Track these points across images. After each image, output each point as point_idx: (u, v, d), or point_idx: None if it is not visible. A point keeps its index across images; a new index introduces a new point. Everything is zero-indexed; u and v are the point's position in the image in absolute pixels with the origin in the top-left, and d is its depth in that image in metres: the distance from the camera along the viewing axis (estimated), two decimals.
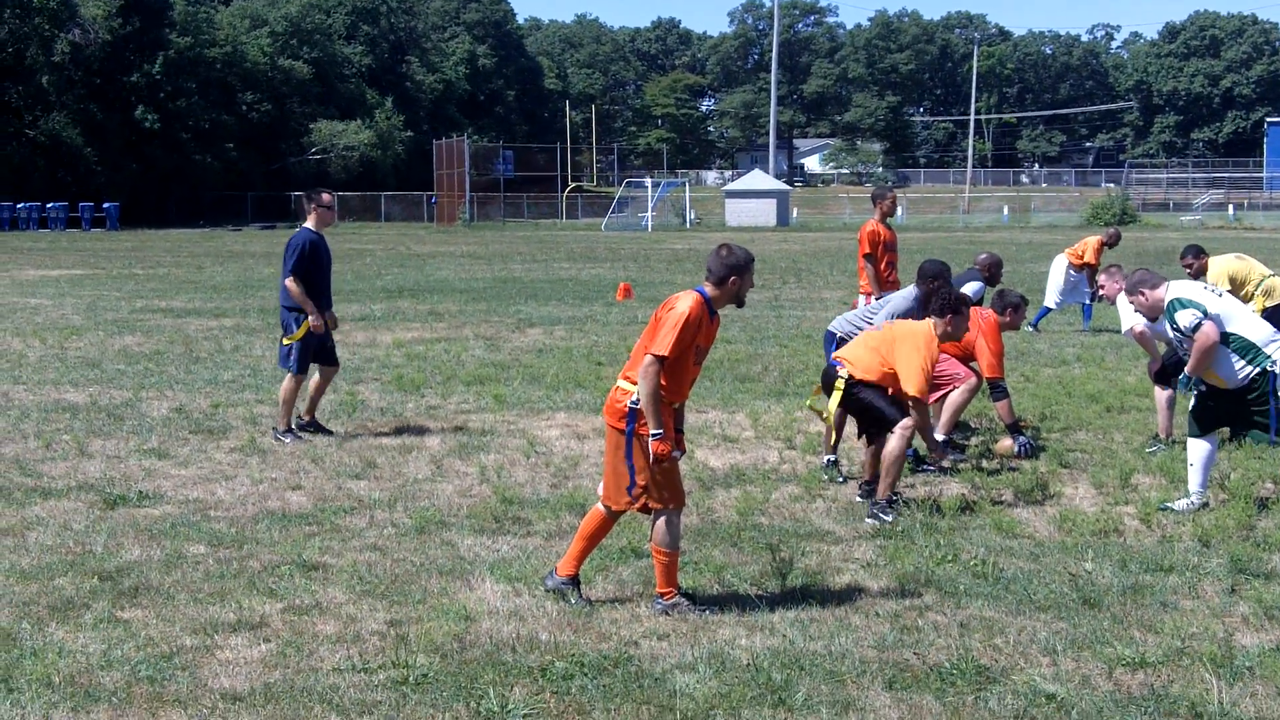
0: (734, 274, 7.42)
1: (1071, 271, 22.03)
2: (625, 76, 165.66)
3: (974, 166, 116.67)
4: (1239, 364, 9.60)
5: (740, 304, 7.65)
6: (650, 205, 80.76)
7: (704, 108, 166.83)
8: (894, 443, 9.67)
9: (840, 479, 10.79)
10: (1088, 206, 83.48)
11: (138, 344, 19.83)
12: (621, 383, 7.43)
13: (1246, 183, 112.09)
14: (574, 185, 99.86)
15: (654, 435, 7.16)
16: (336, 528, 9.28)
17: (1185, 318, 9.68)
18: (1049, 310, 22.30)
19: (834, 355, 10.45)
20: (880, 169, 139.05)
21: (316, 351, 12.64)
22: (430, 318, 23.85)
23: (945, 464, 11.37)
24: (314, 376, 12.77)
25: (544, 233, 73.20)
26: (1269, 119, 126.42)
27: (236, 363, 17.71)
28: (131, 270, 37.98)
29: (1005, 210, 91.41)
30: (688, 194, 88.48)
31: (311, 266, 12.41)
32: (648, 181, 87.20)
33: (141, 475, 10.90)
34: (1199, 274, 13.88)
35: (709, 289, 7.44)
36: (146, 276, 35.28)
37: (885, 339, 10.00)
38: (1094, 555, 8.48)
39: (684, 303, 7.28)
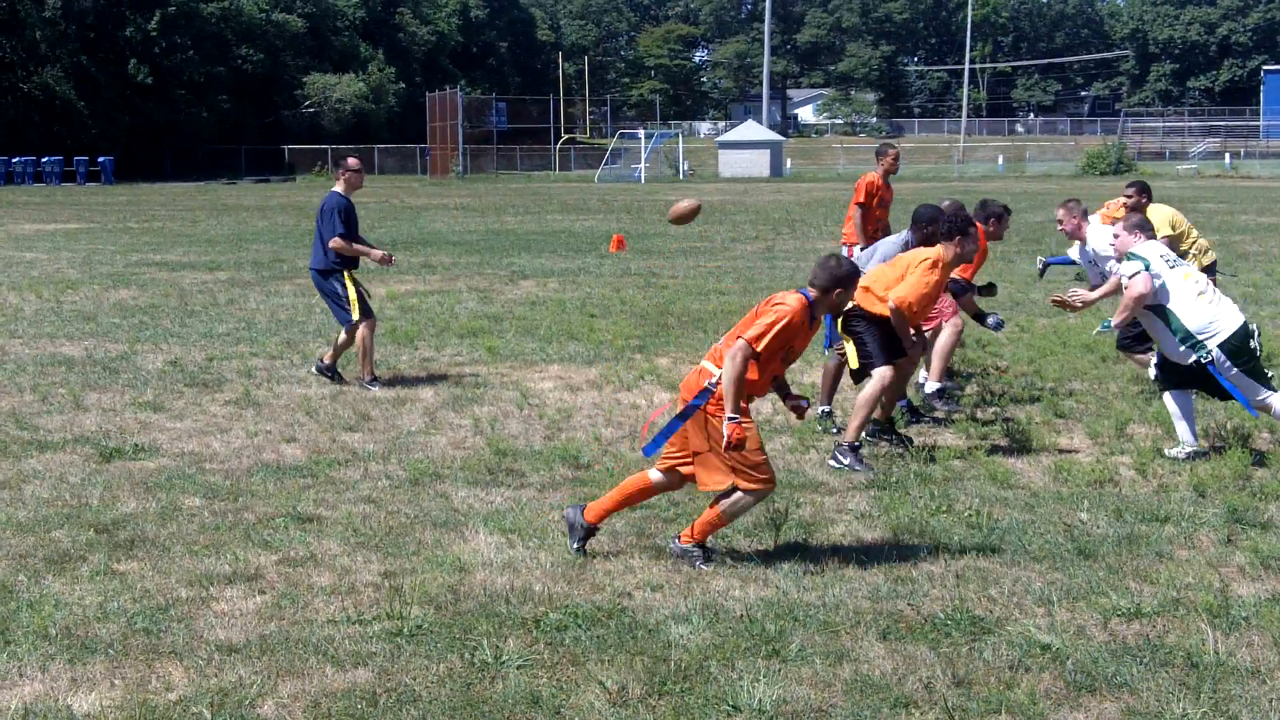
0: (839, 285, 7.44)
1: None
2: (618, 27, 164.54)
3: (968, 116, 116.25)
4: (1181, 347, 9.60)
5: (838, 315, 7.60)
6: (643, 157, 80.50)
7: (697, 58, 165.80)
8: (869, 387, 9.74)
9: (834, 430, 10.77)
10: (1083, 156, 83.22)
11: (133, 297, 19.79)
12: (706, 364, 7.37)
13: (1243, 131, 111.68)
14: (567, 137, 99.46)
15: (730, 419, 7.07)
16: (331, 480, 9.28)
17: (1129, 267, 9.70)
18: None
19: None
20: (874, 119, 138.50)
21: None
22: (424, 270, 23.79)
23: (940, 414, 11.38)
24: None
25: (537, 184, 73.00)
26: (1265, 67, 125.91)
27: (231, 316, 17.68)
28: (126, 224, 37.88)
29: (1000, 160, 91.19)
30: (681, 145, 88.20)
31: (345, 228, 12.61)
32: (641, 133, 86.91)
33: (137, 428, 10.89)
34: (1136, 209, 13.70)
35: (812, 294, 7.41)
36: (141, 230, 35.17)
37: (901, 263, 10.04)
38: (1089, 505, 8.50)
39: (789, 302, 7.25)
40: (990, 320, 11.52)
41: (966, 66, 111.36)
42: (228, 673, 5.89)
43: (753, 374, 7.23)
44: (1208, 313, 9.60)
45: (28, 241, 31.38)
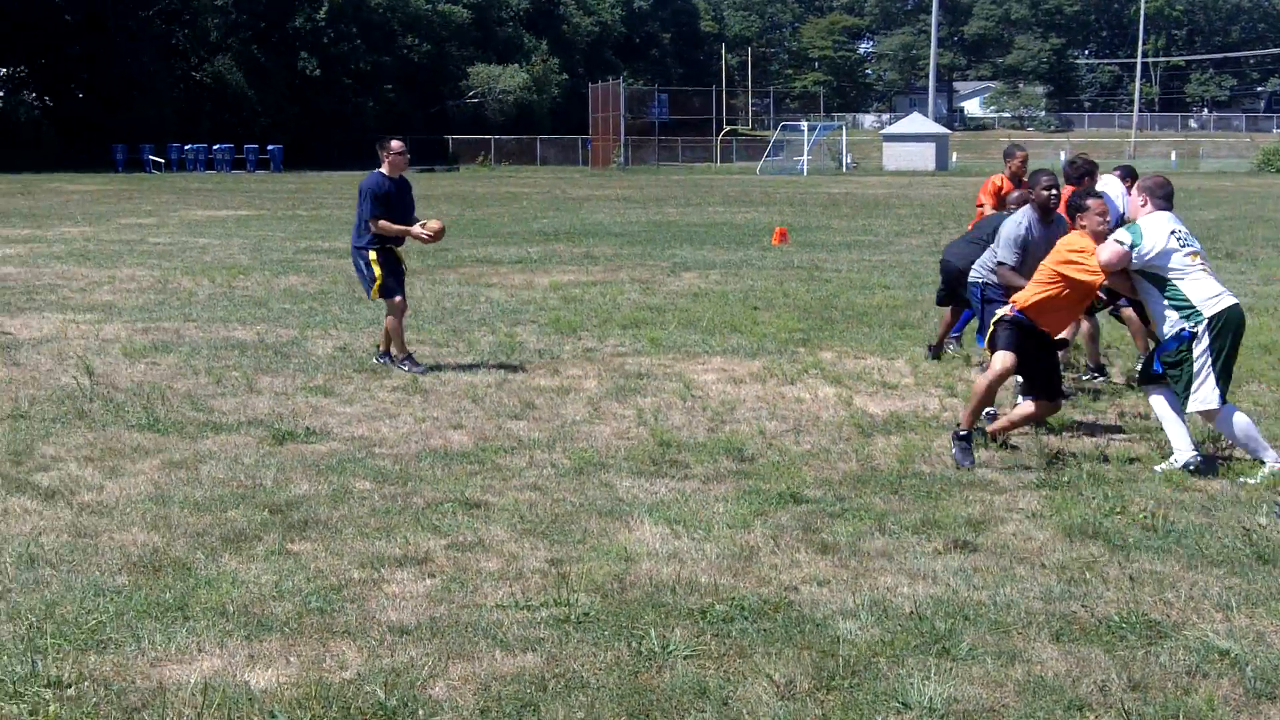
0: None
1: None
2: (782, 19, 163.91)
3: (1140, 110, 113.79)
4: (1172, 316, 9.17)
5: None
6: (806, 149, 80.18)
7: (862, 50, 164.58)
8: (984, 374, 9.75)
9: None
10: (1259, 153, 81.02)
11: (302, 283, 20.20)
12: None
13: None
14: (729, 128, 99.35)
15: None
16: (497, 467, 9.37)
17: (1118, 234, 9.31)
18: None
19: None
20: (1043, 113, 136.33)
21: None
22: (586, 261, 23.93)
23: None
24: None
25: (698, 176, 73.06)
26: None
27: None
28: (295, 211, 38.67)
29: (1173, 156, 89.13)
30: (844, 137, 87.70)
31: (386, 209, 12.82)
32: (803, 125, 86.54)
33: (308, 412, 11.10)
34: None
35: None
36: (310, 218, 35.88)
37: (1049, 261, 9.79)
38: (1269, 510, 8.25)
39: None
40: None
41: (1139, 60, 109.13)
42: (399, 654, 5.98)
43: None
44: (1211, 286, 9.19)
45: (200, 227, 32.19)
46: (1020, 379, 10.53)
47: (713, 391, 12.11)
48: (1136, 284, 9.44)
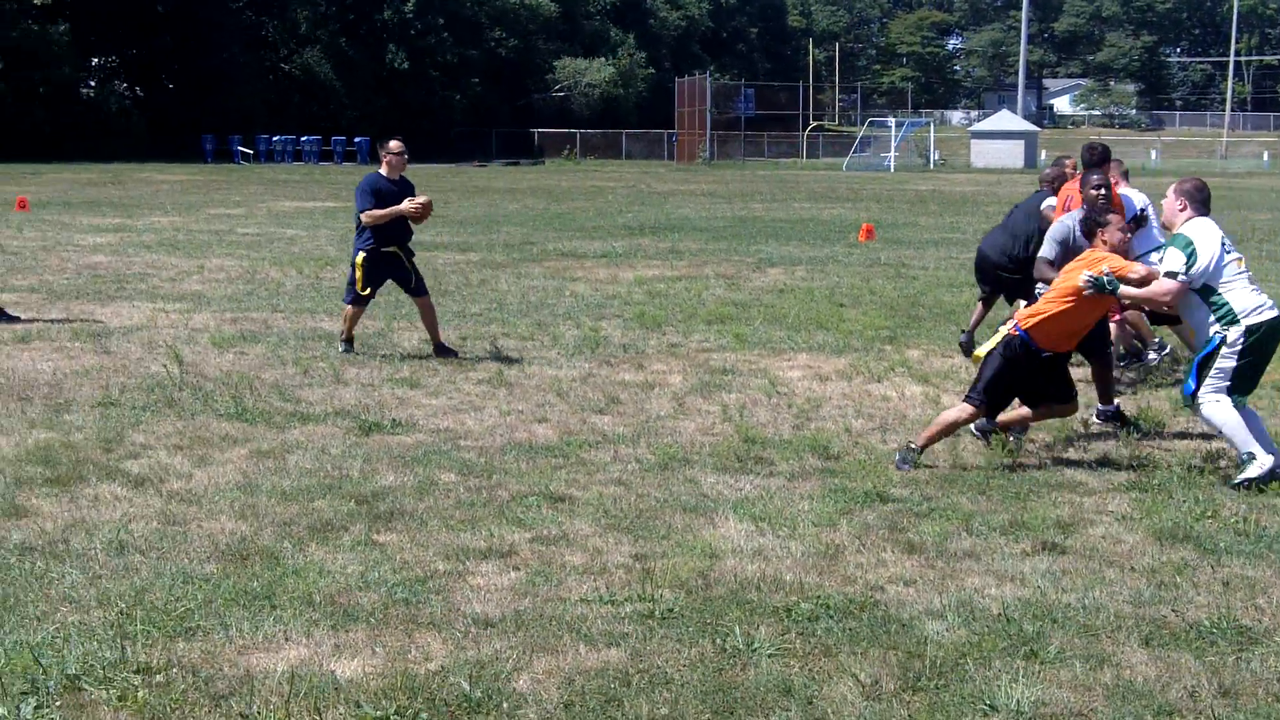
0: None
1: None
2: (870, 14, 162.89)
3: (1233, 110, 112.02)
4: (1212, 324, 8.85)
5: None
6: (893, 145, 79.62)
7: (950, 46, 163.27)
8: (950, 411, 9.56)
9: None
10: None
11: None
12: None
13: None
14: (815, 124, 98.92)
15: None
16: (581, 461, 9.37)
17: (1171, 259, 8.90)
18: None
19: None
20: (1134, 111, 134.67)
21: (403, 286, 13.59)
22: (671, 255, 23.90)
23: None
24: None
25: (784, 172, 72.78)
26: None
27: (483, 296, 18.00)
28: None
29: (1266, 156, 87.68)
30: (932, 134, 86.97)
31: (380, 207, 13.13)
32: (891, 121, 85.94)
33: (394, 403, 11.17)
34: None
35: None
36: None
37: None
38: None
39: None
40: None
41: (1231, 58, 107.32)
42: (484, 646, 6.00)
43: None
44: (1255, 298, 8.87)
45: (288, 218, 32.46)
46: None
47: (798, 388, 12.06)
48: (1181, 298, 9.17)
